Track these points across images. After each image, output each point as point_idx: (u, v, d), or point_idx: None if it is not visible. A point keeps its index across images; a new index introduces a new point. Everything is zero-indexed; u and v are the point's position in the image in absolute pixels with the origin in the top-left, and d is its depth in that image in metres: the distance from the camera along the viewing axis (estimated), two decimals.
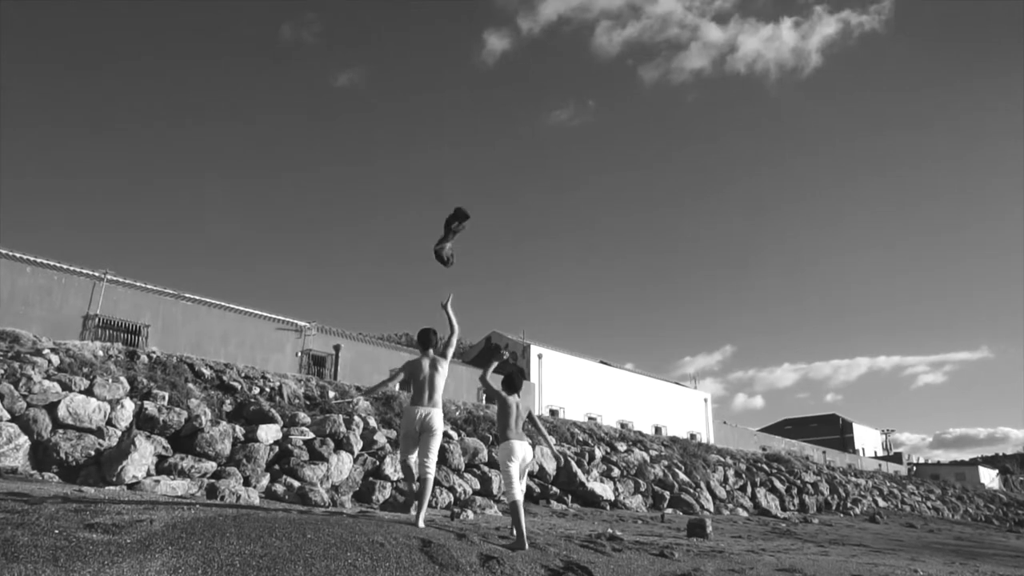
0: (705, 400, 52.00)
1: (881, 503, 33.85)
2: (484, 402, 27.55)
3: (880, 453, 75.45)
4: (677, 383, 53.30)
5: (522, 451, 7.08)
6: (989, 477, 70.17)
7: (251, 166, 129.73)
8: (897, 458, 69.86)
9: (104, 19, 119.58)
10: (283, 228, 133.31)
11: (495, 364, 7.78)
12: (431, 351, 7.58)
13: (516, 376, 7.58)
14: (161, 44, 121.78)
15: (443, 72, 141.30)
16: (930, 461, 78.66)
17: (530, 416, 7.69)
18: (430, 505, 14.54)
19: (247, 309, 27.20)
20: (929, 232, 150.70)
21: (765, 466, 29.01)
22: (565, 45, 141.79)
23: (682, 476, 22.91)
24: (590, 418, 37.00)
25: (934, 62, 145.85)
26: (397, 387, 17.33)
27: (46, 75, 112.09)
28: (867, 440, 77.39)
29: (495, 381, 7.42)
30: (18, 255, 22.23)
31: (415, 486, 7.11)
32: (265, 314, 27.51)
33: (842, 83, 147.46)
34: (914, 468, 67.15)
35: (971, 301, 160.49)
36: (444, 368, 7.49)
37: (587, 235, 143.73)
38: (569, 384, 41.17)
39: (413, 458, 7.17)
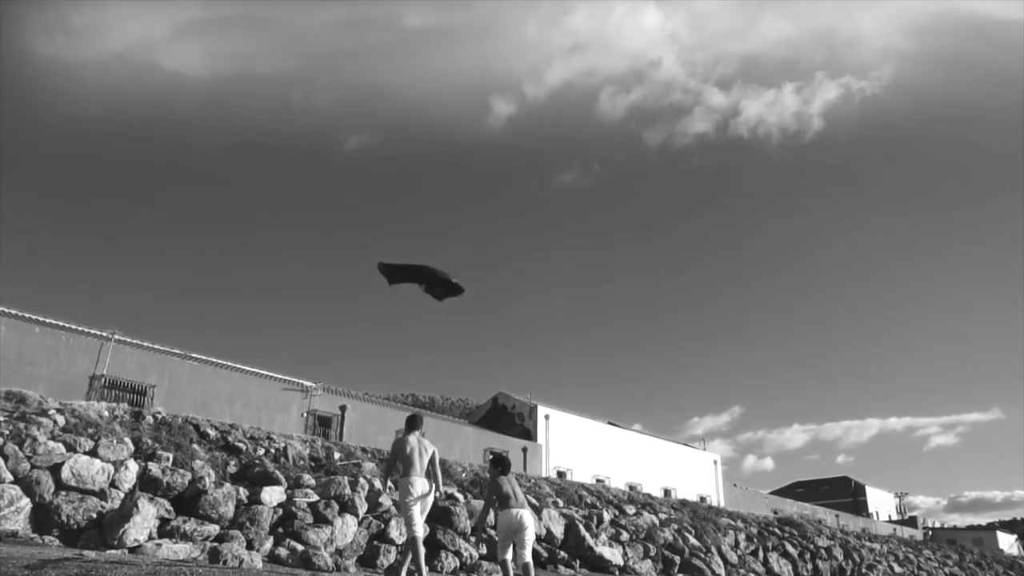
0: (714, 462, 51.28)
1: (897, 569, 33.03)
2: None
3: (894, 517, 73.94)
4: (686, 444, 52.65)
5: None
6: (1008, 542, 68.55)
7: (255, 226, 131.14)
8: (912, 522, 68.42)
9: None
10: (289, 287, 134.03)
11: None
12: (417, 432, 8.99)
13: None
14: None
15: (450, 136, 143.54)
16: (946, 525, 77.02)
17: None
18: (435, 570, 14.26)
19: (253, 369, 27.16)
20: (937, 291, 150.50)
21: (777, 530, 28.43)
22: (570, 109, 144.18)
23: (692, 540, 22.45)
24: (598, 480, 36.47)
25: (934, 124, 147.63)
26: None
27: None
28: (880, 503, 75.94)
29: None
30: (27, 315, 22.36)
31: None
32: (271, 374, 27.46)
33: (844, 147, 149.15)
34: (930, 533, 65.68)
35: (981, 362, 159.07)
36: (430, 447, 8.93)
37: (594, 296, 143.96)
38: (577, 445, 40.70)
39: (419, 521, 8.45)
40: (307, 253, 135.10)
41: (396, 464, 8.74)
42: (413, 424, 9.10)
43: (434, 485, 8.79)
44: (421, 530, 8.47)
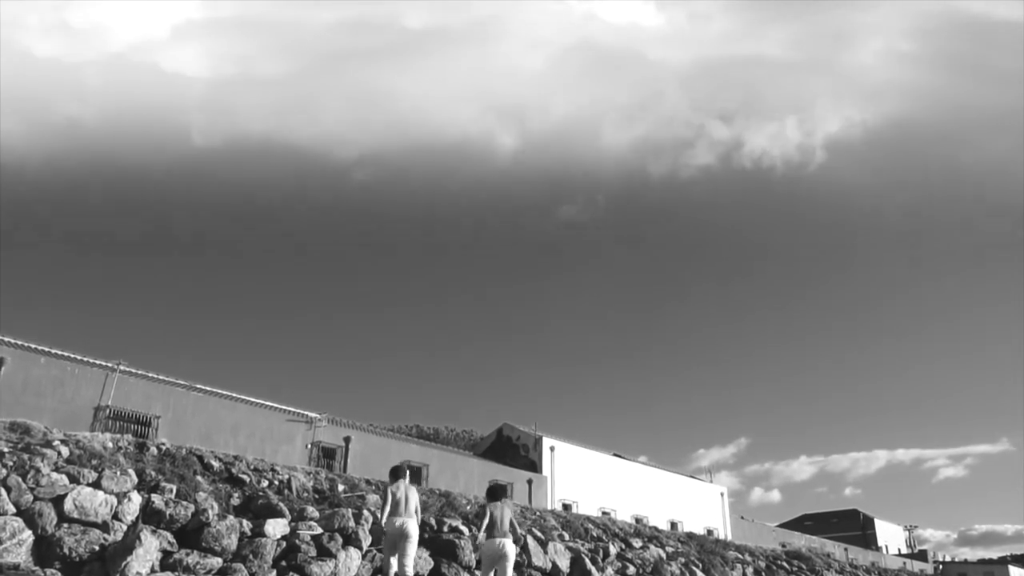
0: (721, 494, 50.80)
1: None
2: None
3: (904, 550, 72.98)
4: (692, 477, 52.21)
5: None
6: None
7: (260, 258, 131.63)
8: (922, 556, 67.51)
9: None
10: (293, 317, 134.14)
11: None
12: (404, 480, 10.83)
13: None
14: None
15: (456, 169, 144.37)
16: (957, 559, 75.94)
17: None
18: None
19: (258, 400, 27.13)
20: (944, 321, 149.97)
21: (785, 563, 28.07)
22: (574, 142, 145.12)
23: (700, 574, 22.18)
24: (604, 512, 36.14)
25: (936, 155, 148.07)
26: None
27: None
28: (890, 536, 75.00)
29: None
30: (32, 345, 22.41)
31: None
32: (275, 405, 27.41)
33: (847, 177, 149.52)
34: (940, 567, 64.81)
35: (989, 392, 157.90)
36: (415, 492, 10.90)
37: (598, 327, 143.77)
38: (582, 477, 40.40)
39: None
40: (313, 283, 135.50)
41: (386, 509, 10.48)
42: (397, 474, 10.99)
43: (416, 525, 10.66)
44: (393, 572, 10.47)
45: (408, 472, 11.31)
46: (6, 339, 22.01)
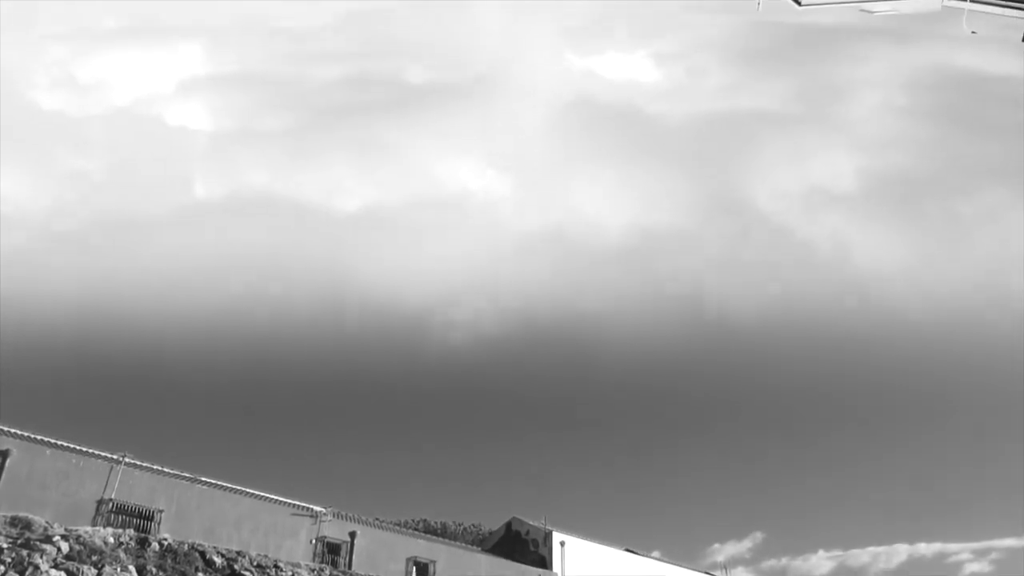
0: None
1: None
2: None
3: None
4: (707, 573, 50.63)
5: None
6: None
7: (264, 353, 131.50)
8: None
9: None
10: (300, 409, 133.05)
11: None
12: None
13: None
14: None
15: (460, 222, 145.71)
16: None
17: None
18: None
19: (262, 494, 26.74)
20: (965, 411, 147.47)
21: None
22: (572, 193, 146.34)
23: None
24: None
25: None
26: None
27: None
28: None
29: None
30: (39, 437, 22.28)
31: None
32: (280, 499, 26.99)
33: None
34: None
35: (1014, 484, 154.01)
36: None
37: (609, 418, 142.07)
38: (593, 573, 39.23)
39: None
40: (315, 375, 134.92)
41: None
42: None
43: None
44: None
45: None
46: (13, 430, 21.92)
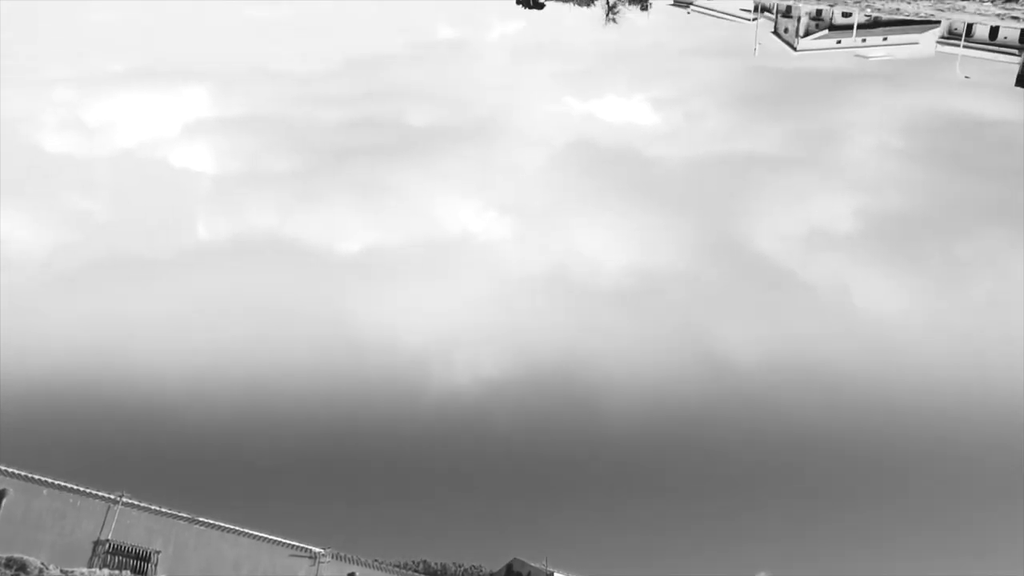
0: None
1: None
2: None
3: None
4: None
5: None
6: None
7: (264, 393, 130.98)
8: None
9: None
10: (295, 445, 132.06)
11: None
12: None
13: None
14: None
15: (465, 265, 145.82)
16: None
17: None
18: None
19: (260, 534, 26.56)
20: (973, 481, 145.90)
21: None
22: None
23: None
24: None
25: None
26: None
27: None
28: None
29: None
30: (35, 476, 22.20)
31: None
32: (279, 539, 26.80)
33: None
34: None
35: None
36: None
37: (612, 457, 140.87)
38: None
39: None
40: (314, 416, 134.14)
41: None
42: None
43: None
44: None
45: None
46: (11, 470, 21.86)
